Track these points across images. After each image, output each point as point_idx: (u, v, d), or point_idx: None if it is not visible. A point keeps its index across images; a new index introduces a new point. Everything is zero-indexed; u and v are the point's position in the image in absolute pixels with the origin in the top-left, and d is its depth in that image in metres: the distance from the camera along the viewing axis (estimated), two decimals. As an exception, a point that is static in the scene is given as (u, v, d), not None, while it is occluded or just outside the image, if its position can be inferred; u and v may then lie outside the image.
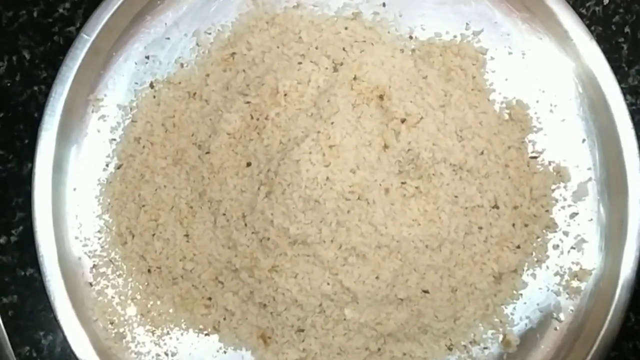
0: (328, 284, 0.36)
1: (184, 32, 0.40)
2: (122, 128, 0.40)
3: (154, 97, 0.40)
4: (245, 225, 0.37)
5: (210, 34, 0.40)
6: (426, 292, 0.37)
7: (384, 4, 0.40)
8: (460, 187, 0.38)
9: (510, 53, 0.41)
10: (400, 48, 0.40)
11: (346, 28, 0.40)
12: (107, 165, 0.40)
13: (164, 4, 0.40)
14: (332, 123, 0.36)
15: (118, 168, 0.40)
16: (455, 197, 0.38)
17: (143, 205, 0.39)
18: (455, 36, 0.41)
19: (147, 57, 0.40)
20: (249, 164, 0.38)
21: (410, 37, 0.40)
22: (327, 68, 0.38)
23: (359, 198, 0.35)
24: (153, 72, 0.40)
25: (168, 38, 0.40)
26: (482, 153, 0.38)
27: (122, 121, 0.40)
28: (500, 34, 0.41)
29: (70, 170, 0.40)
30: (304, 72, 0.38)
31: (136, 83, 0.40)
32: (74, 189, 0.40)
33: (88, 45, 0.39)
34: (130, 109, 0.40)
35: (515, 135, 0.40)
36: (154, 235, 0.39)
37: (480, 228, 0.38)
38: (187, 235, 0.39)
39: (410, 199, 0.37)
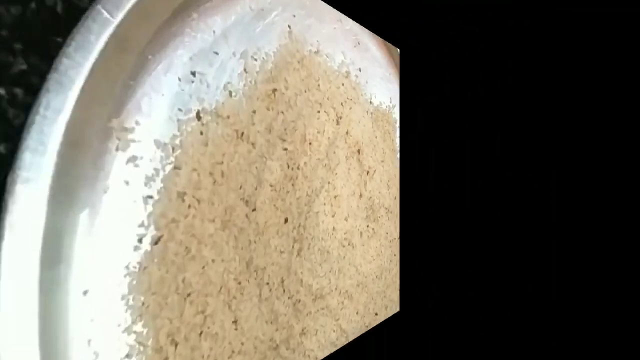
0: (334, 331, 0.39)
1: (232, 50, 0.29)
2: (161, 178, 0.25)
3: (201, 133, 0.27)
4: (284, 291, 0.34)
5: (256, 60, 0.31)
6: (376, 314, 0.46)
7: (359, 69, 0.44)
8: (387, 226, 0.49)
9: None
10: (367, 109, 0.45)
11: (342, 84, 0.41)
12: (140, 241, 0.24)
13: (213, 3, 0.28)
14: (336, 174, 0.39)
15: (156, 243, 0.24)
16: (387, 233, 0.48)
17: (188, 294, 0.27)
18: (387, 106, 0.50)
19: (193, 74, 0.26)
20: (286, 220, 0.34)
21: (371, 102, 0.46)
22: (333, 120, 0.40)
23: (349, 243, 0.40)
24: (200, 96, 0.27)
25: (216, 53, 0.28)
26: (395, 198, 0.51)
27: (162, 167, 0.25)
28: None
29: (75, 258, 0.21)
30: (321, 122, 0.38)
31: (180, 110, 0.26)
32: (84, 292, 0.21)
33: (110, 29, 0.22)
34: (173, 148, 0.25)
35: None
36: (201, 333, 0.27)
37: (395, 255, 0.50)
38: (235, 322, 0.30)
39: (371, 239, 0.45)
